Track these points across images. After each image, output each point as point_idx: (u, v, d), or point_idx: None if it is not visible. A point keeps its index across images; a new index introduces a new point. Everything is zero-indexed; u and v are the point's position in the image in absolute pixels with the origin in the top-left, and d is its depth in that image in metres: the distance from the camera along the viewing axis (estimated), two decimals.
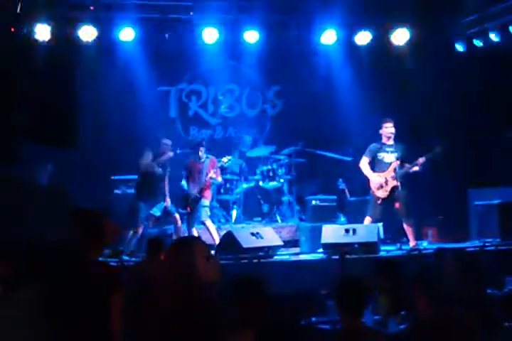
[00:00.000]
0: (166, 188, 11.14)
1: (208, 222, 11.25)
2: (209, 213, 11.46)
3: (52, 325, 4.50)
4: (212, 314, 4.26)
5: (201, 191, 11.33)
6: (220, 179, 11.77)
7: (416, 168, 10.86)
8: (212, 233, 11.12)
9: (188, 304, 4.32)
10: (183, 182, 11.57)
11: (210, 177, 11.37)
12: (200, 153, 11.48)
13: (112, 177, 12.34)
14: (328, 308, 6.57)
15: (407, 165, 10.91)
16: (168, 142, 11.17)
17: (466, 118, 13.15)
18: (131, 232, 10.78)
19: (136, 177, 11.94)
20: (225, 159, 11.82)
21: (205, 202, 11.35)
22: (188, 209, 11.24)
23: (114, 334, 4.55)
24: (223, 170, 12.27)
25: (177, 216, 11.04)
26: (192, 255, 4.56)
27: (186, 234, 10.88)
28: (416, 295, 4.53)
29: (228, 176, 12.65)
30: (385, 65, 13.76)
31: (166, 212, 11.06)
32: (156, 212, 11.01)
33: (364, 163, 11.09)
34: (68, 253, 4.77)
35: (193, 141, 12.18)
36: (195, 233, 11.20)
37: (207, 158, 11.52)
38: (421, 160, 10.75)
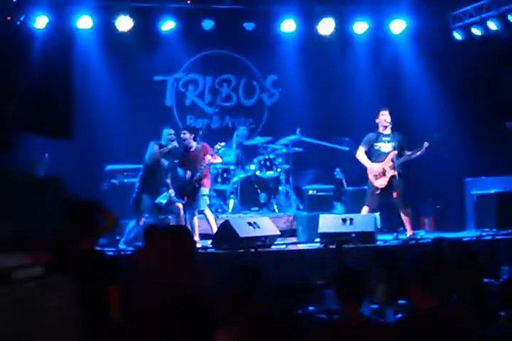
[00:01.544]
0: (169, 180, 11.12)
1: (207, 211, 11.18)
2: (208, 202, 11.40)
3: None
4: (203, 303, 4.26)
5: (199, 180, 11.24)
6: (217, 160, 11.62)
7: (418, 153, 10.85)
8: (210, 222, 11.08)
9: (179, 292, 4.33)
10: (180, 172, 11.49)
11: (208, 164, 11.31)
12: (189, 141, 11.38)
13: (106, 168, 12.30)
14: (325, 297, 6.58)
15: (407, 153, 10.90)
16: (172, 132, 11.14)
17: (464, 107, 13.14)
18: (133, 223, 10.78)
19: (131, 166, 11.96)
20: (218, 146, 11.71)
21: (205, 190, 11.25)
22: (185, 198, 11.17)
23: (113, 323, 4.56)
24: None
25: (180, 205, 10.99)
26: (185, 245, 4.57)
27: (188, 224, 10.84)
28: (413, 285, 4.53)
29: (225, 166, 12.63)
30: (382, 54, 13.76)
31: (169, 201, 11.02)
32: (163, 199, 10.96)
33: (361, 153, 11.09)
34: (65, 243, 4.77)
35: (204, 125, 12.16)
36: (195, 222, 11.15)
37: (198, 144, 11.44)
38: (426, 144, 10.73)
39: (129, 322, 4.68)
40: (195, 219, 11.18)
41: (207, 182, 11.36)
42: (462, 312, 4.61)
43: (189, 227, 10.78)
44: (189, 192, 11.15)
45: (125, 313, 4.65)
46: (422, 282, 4.43)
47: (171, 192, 11.06)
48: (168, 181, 11.12)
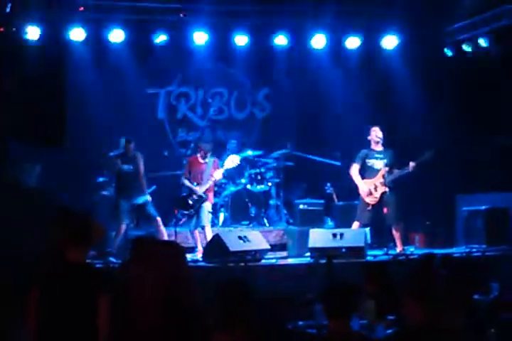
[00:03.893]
0: (144, 184, 11.04)
1: (208, 228, 11.10)
2: (210, 217, 11.36)
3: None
4: (195, 316, 4.24)
5: (206, 192, 11.22)
6: (219, 175, 11.50)
7: (405, 172, 10.88)
8: (208, 239, 10.97)
9: (170, 305, 4.30)
10: (186, 182, 11.37)
11: (215, 179, 11.25)
12: (202, 152, 11.38)
13: (98, 180, 12.27)
14: (314, 312, 6.55)
15: (396, 171, 10.94)
16: (122, 140, 11.15)
17: (455, 123, 13.15)
18: (115, 232, 10.74)
19: None
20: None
21: (209, 206, 11.24)
22: (192, 209, 11.09)
23: (102, 336, 4.54)
24: None
25: (158, 219, 10.94)
26: (175, 259, 4.55)
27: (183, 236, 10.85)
28: (403, 301, 4.52)
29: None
30: (374, 70, 13.79)
31: (146, 213, 10.96)
32: (139, 200, 10.90)
33: (354, 170, 11.10)
34: (55, 254, 4.74)
35: (196, 138, 12.14)
36: (197, 235, 11.12)
37: (211, 158, 11.42)
38: (411, 164, 10.77)
39: (119, 334, 4.66)
40: (196, 232, 11.13)
41: (211, 197, 11.31)
42: (454, 328, 4.59)
43: (192, 240, 11.02)
44: (194, 203, 11.09)
45: (115, 325, 4.63)
46: (414, 297, 4.41)
47: (149, 198, 11.01)
48: (143, 186, 11.02)
